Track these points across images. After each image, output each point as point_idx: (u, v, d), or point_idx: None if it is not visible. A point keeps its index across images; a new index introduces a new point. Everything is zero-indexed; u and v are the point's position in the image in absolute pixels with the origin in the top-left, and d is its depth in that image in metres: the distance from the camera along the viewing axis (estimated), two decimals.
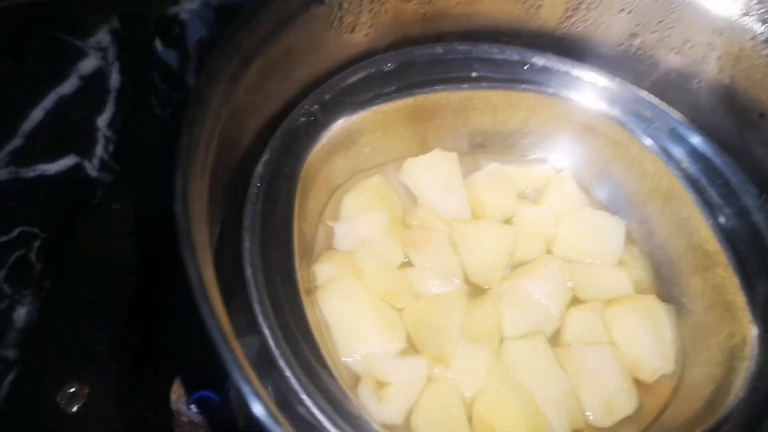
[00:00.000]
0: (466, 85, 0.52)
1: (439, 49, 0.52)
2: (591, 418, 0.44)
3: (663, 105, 0.51)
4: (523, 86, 0.52)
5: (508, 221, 0.52)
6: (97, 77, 0.65)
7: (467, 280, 0.48)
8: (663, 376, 0.46)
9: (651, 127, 0.51)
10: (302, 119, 0.46)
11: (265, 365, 0.36)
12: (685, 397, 0.45)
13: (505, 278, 0.48)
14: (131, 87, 0.65)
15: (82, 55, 0.66)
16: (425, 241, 0.48)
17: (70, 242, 0.54)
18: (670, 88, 0.52)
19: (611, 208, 0.54)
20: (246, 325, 0.37)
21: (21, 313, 0.53)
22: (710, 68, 0.50)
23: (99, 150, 0.61)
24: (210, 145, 0.38)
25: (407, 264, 0.48)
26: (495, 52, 0.53)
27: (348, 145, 0.50)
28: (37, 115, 0.62)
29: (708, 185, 0.49)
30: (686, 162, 0.50)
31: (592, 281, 0.49)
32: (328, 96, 0.48)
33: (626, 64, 0.53)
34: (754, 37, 0.48)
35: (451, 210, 0.50)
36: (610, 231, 0.51)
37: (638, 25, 0.52)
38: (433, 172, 0.51)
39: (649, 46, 0.53)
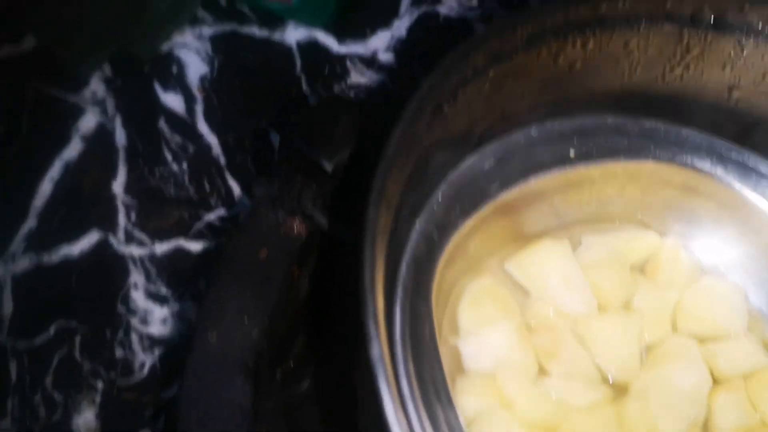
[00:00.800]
0: (567, 166, 0.50)
1: (534, 133, 0.50)
2: None
3: (760, 156, 0.50)
4: (623, 155, 0.51)
5: (627, 305, 0.50)
6: (101, 136, 0.61)
7: (605, 381, 0.47)
8: None
9: (756, 183, 0.50)
10: (422, 244, 0.44)
11: None
12: None
13: (642, 371, 0.47)
14: (140, 142, 0.61)
15: (78, 111, 0.61)
16: (557, 347, 0.47)
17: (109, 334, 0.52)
18: None
19: (721, 266, 0.53)
20: None
21: (79, 423, 0.51)
22: None
23: (121, 220, 0.58)
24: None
25: (542, 373, 0.47)
26: (590, 123, 0.51)
27: (455, 255, 0.47)
28: (45, 188, 0.59)
29: None
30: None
31: (727, 357, 0.48)
32: (440, 213, 0.45)
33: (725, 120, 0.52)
34: None
35: (575, 304, 0.49)
36: (733, 298, 0.51)
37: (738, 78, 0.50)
38: (547, 265, 0.49)
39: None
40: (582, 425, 0.44)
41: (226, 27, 0.67)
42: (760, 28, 0.48)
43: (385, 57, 0.66)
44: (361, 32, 0.67)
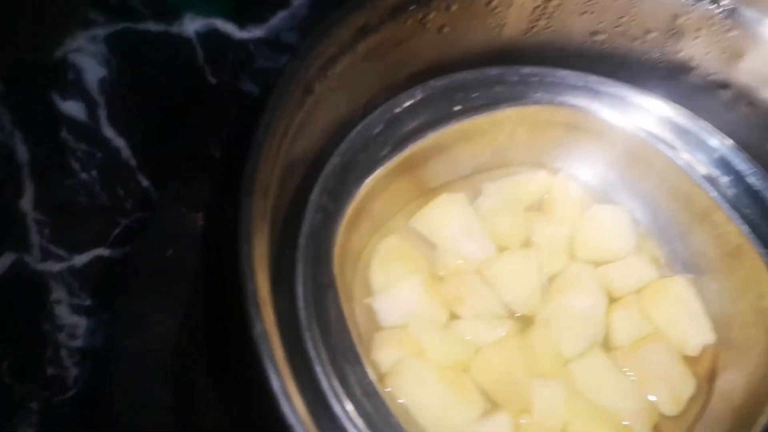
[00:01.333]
0: (453, 122, 0.53)
1: (418, 94, 0.52)
2: (662, 409, 0.49)
3: (641, 91, 0.54)
4: (505, 104, 0.54)
5: (527, 242, 0.54)
6: (1, 154, 0.59)
7: (512, 316, 0.51)
8: (706, 347, 0.51)
9: (632, 115, 0.54)
10: (318, 216, 0.47)
11: None
12: (731, 361, 0.50)
13: (545, 301, 0.51)
14: (43, 156, 0.59)
15: None
16: (463, 291, 0.51)
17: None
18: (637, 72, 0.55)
19: (608, 192, 0.57)
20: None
21: None
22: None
23: (34, 237, 0.57)
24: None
25: (454, 318, 0.50)
26: (471, 78, 0.54)
27: (359, 219, 0.50)
28: None
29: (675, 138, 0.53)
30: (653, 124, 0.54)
31: (620, 276, 0.53)
32: (332, 183, 0.48)
33: (594, 59, 0.55)
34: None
35: (475, 251, 0.52)
36: (620, 221, 0.55)
37: (600, 23, 0.54)
38: (447, 218, 0.53)
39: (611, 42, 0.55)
40: (491, 360, 0.48)
41: (120, 26, 0.65)
42: None
43: (289, 37, 0.66)
44: (260, 16, 0.66)
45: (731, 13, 0.51)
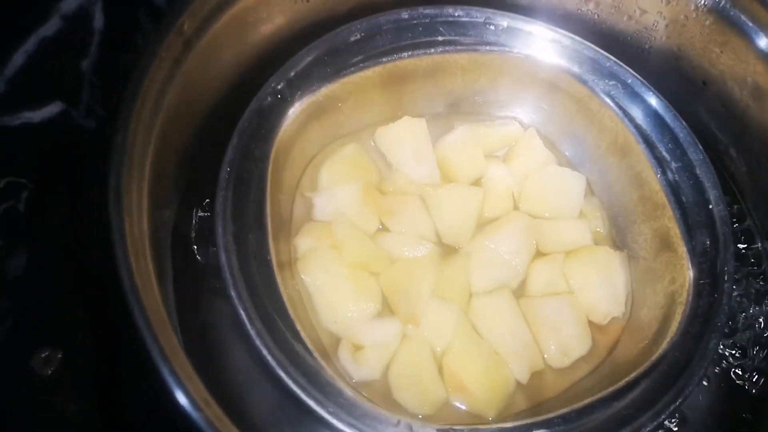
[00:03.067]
0: (433, 50, 0.56)
1: (404, 15, 0.56)
2: (549, 360, 0.52)
3: (620, 64, 0.56)
4: (489, 47, 0.57)
5: (477, 182, 0.58)
6: (80, 17, 0.63)
7: (440, 242, 0.55)
8: (615, 319, 0.54)
9: (609, 85, 0.56)
10: (269, 99, 0.51)
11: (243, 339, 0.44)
12: (633, 336, 0.53)
13: (474, 238, 0.55)
14: (116, 27, 0.64)
15: None
16: (399, 208, 0.55)
17: (57, 194, 0.56)
18: (627, 51, 0.57)
19: (575, 161, 0.60)
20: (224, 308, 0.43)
21: (12, 265, 0.54)
22: (660, 36, 0.55)
23: (85, 96, 0.62)
24: (150, 137, 0.45)
25: (384, 230, 0.55)
26: (460, 14, 0.57)
27: (320, 117, 0.55)
28: (18, 59, 0.60)
29: (659, 141, 0.55)
30: (640, 118, 0.56)
31: (555, 235, 0.56)
32: (293, 73, 0.52)
33: (587, 27, 0.58)
34: (697, 7, 0.52)
35: (422, 175, 0.57)
36: (573, 186, 0.58)
37: None
38: (403, 139, 0.57)
39: (605, 12, 0.57)
40: (401, 271, 0.52)
41: None
42: None
43: None
44: None
45: None
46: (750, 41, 0.53)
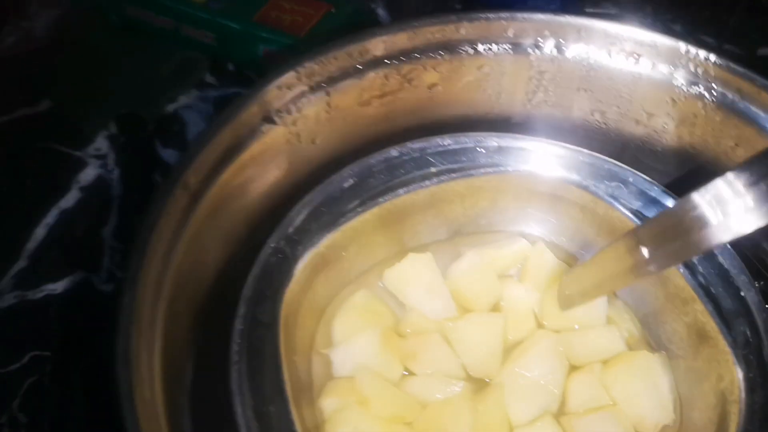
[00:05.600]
0: (428, 182, 0.57)
1: (393, 152, 0.58)
2: None
3: (620, 165, 0.57)
4: (483, 170, 0.58)
5: (496, 307, 0.58)
6: (99, 187, 0.70)
7: (468, 377, 0.54)
8: (666, 427, 0.53)
9: (611, 186, 0.57)
10: (271, 259, 0.52)
11: None
12: None
13: (503, 365, 0.54)
14: (134, 192, 0.70)
15: (81, 165, 0.71)
16: (421, 349, 0.54)
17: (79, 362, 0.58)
18: (638, 156, 0.59)
19: None
20: None
21: None
22: (670, 137, 0.57)
23: (105, 262, 0.66)
24: (159, 299, 0.45)
25: (410, 375, 0.54)
26: (450, 143, 0.59)
27: (325, 269, 0.56)
28: (39, 233, 0.67)
29: None
30: (649, 214, 0.56)
31: (586, 346, 0.55)
32: (291, 229, 0.53)
33: (596, 137, 0.60)
34: (705, 104, 0.55)
35: (437, 310, 0.57)
36: None
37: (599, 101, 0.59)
38: (412, 277, 0.58)
39: (612, 119, 0.60)
40: (436, 417, 0.51)
41: (231, 90, 0.78)
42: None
43: None
44: None
45: None
46: (763, 131, 0.55)
